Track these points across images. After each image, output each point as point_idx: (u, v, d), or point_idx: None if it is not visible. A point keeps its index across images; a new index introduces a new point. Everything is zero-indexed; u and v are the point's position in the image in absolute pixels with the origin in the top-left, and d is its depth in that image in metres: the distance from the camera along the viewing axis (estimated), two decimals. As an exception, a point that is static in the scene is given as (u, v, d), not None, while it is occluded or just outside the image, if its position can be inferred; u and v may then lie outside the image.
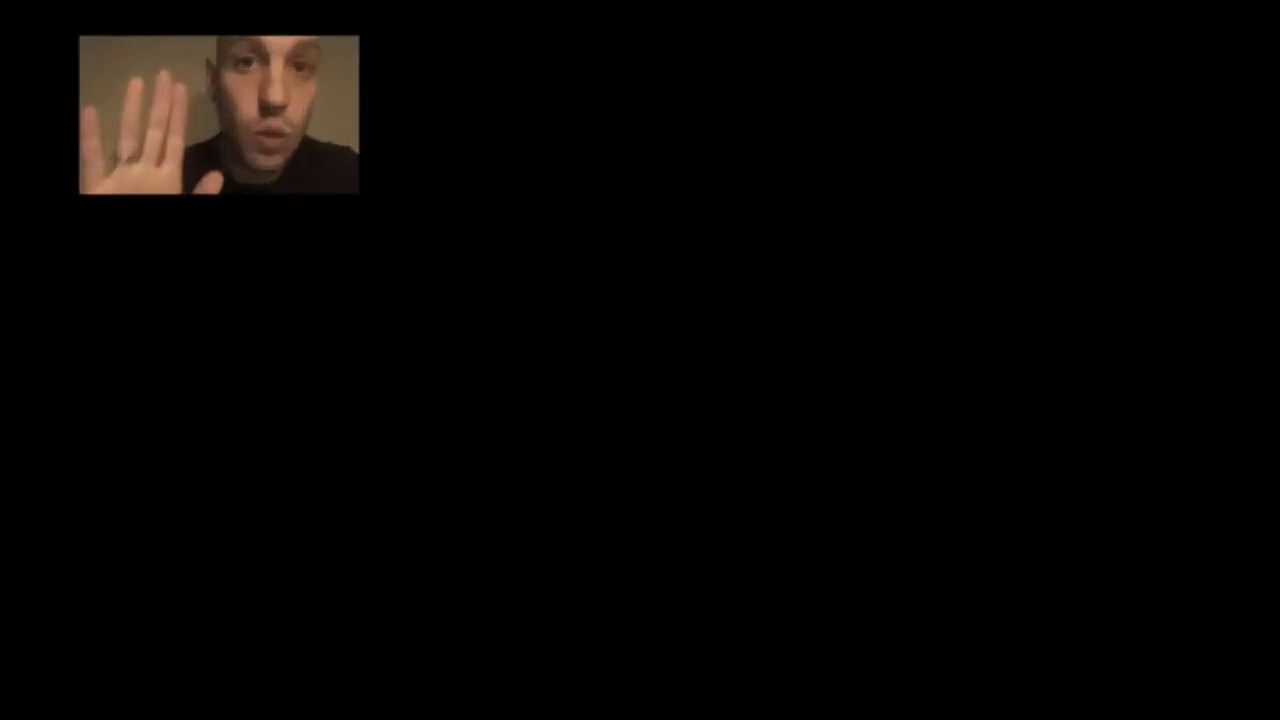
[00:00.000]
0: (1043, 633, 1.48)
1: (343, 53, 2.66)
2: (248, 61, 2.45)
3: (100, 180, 2.37)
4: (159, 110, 2.20)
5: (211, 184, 2.32)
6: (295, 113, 2.49)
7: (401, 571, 1.73)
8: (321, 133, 2.47)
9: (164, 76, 2.23)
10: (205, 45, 2.55)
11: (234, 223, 2.54)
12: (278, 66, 2.44)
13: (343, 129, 2.63)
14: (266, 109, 2.44)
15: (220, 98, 2.47)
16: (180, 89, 2.26)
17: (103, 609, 1.79)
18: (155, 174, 2.34)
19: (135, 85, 2.16)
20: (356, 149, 2.61)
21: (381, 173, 2.35)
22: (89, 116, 2.20)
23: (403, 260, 2.15)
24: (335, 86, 2.69)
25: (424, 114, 2.30)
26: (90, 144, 2.24)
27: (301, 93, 2.50)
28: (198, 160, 2.63)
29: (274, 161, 2.47)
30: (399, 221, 2.23)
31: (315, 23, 2.60)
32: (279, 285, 2.40)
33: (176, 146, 2.27)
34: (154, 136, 2.22)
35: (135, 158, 2.12)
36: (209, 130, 2.60)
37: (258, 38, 2.42)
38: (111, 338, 1.99)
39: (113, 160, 2.25)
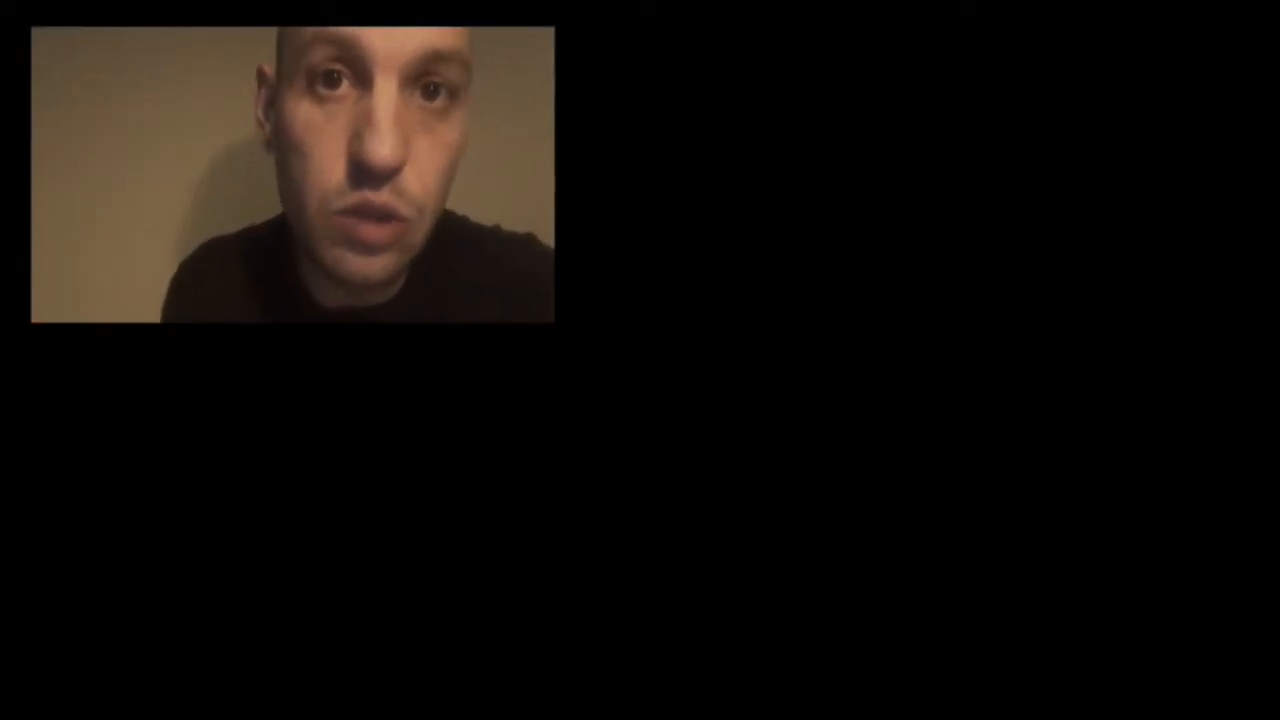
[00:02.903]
0: (1043, 633, 1.49)
1: (520, 57, 1.38)
2: (331, 79, 1.16)
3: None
4: None
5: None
6: (420, 180, 1.26)
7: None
8: (479, 206, 1.40)
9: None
10: (257, 45, 1.27)
11: (298, 372, 1.40)
12: (387, 93, 1.17)
13: (521, 199, 1.44)
14: (364, 171, 1.18)
15: (282, 147, 1.20)
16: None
17: None
18: None
19: None
20: (548, 238, 1.43)
21: (595, 282, 1.43)
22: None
23: (612, 434, 1.46)
24: (505, 122, 1.38)
25: (669, 163, 1.43)
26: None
27: (434, 143, 1.26)
28: (242, 262, 1.38)
29: (377, 267, 1.26)
30: (622, 367, 1.45)
31: (463, 5, 1.32)
32: (389, 493, 1.45)
33: None
34: None
35: None
36: (262, 204, 1.32)
37: (348, 34, 1.14)
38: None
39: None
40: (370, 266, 1.24)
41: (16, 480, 1.40)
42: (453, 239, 1.37)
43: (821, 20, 1.49)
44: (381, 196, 1.21)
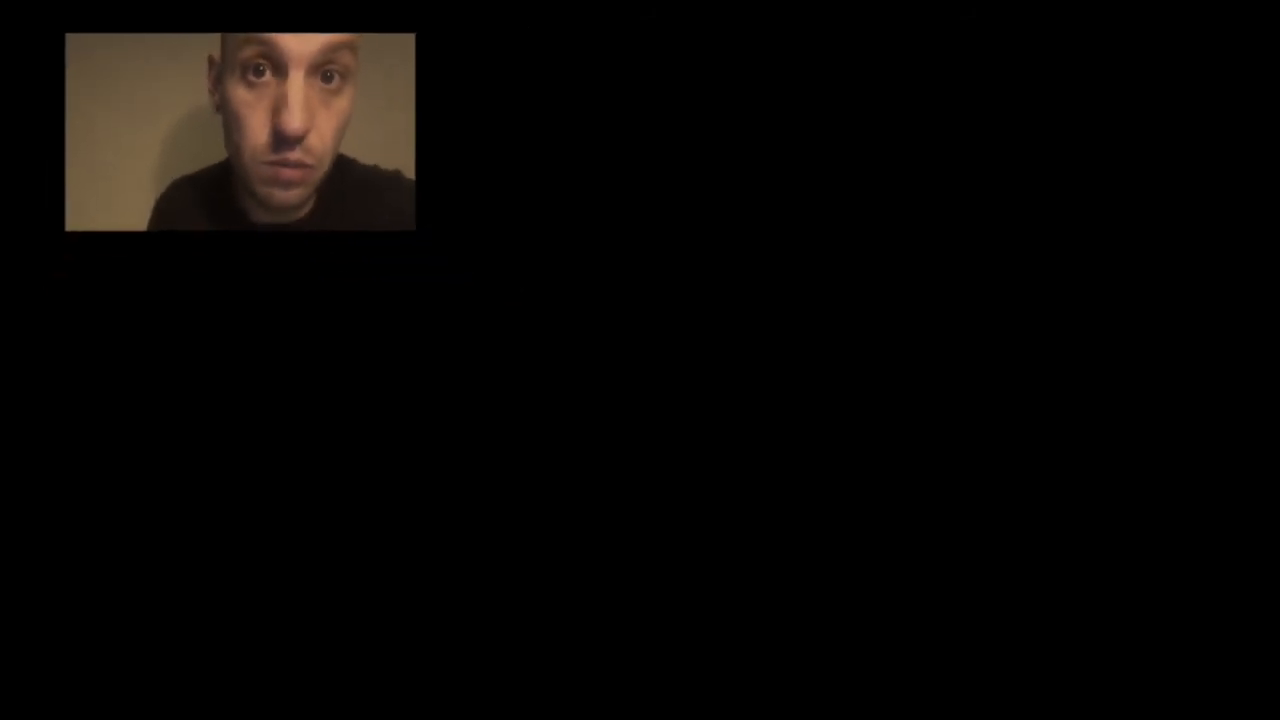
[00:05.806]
0: (1043, 633, 1.47)
1: (393, 53, 2.02)
2: (258, 70, 1.88)
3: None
4: None
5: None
6: (320, 139, 1.94)
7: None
8: (365, 150, 1.97)
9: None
10: (211, 43, 2.00)
11: (240, 267, 2.01)
12: (297, 83, 1.88)
13: (392, 146, 1.96)
14: (281, 137, 1.87)
15: (225, 114, 1.91)
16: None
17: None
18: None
19: None
20: (411, 173, 1.91)
21: (444, 202, 1.92)
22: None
23: (469, 316, 1.84)
24: (382, 92, 2.05)
25: (498, 126, 1.88)
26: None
27: (330, 113, 1.93)
28: (200, 192, 2.08)
29: (293, 196, 1.93)
30: (464, 262, 1.88)
31: (354, 16, 1.98)
32: (304, 354, 1.96)
33: None
34: None
35: None
36: (213, 150, 2.04)
37: (270, 37, 1.85)
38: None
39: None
40: (289, 197, 1.95)
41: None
42: (345, 175, 2.11)
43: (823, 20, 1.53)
44: (295, 154, 1.93)
